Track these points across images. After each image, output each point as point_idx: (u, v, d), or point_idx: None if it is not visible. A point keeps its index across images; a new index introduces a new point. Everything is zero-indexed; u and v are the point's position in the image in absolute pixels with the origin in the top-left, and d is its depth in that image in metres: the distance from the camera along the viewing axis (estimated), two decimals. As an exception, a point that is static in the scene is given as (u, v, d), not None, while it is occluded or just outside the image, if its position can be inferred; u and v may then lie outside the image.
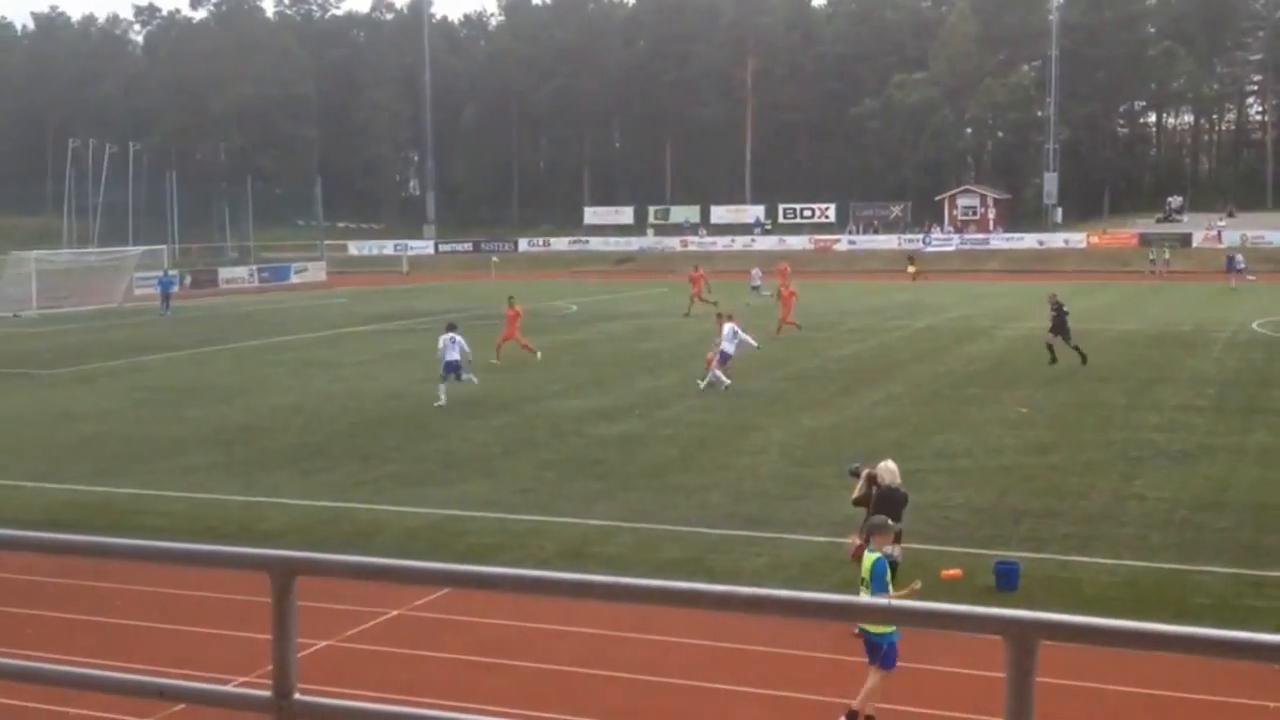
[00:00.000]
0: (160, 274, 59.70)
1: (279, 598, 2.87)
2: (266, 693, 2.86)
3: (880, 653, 10.56)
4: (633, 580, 2.83)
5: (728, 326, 29.58)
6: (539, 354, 34.40)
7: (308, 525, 17.63)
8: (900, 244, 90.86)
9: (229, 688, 3.13)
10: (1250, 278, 61.71)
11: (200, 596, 13.80)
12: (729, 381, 28.80)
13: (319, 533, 17.18)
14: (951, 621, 2.59)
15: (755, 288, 54.82)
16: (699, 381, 29.15)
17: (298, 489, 19.74)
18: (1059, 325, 32.01)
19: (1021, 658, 2.42)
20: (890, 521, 11.29)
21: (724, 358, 29.23)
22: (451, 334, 28.08)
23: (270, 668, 2.90)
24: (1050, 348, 31.83)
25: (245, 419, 26.42)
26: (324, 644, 12.47)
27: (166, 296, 56.63)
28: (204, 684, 3.26)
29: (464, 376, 28.18)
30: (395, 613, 13.56)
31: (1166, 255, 73.62)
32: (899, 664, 10.80)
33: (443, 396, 27.45)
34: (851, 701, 10.76)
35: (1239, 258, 64.44)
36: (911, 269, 73.99)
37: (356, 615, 13.17)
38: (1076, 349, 31.78)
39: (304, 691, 2.91)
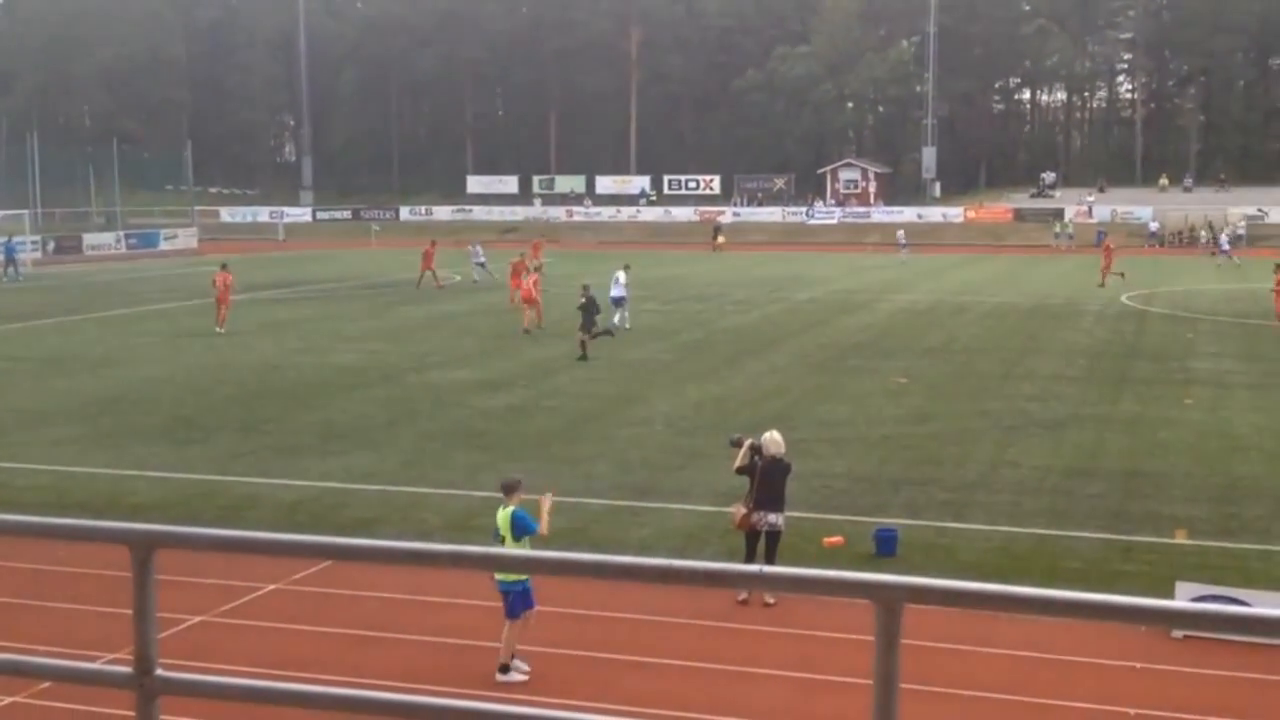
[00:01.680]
0: (4, 240, 57.72)
1: (139, 572, 2.77)
2: (127, 669, 2.74)
3: (508, 600, 11.14)
4: (508, 551, 2.74)
5: (615, 275, 34.34)
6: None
7: (180, 499, 17.19)
8: (784, 215, 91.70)
9: (89, 664, 3.00)
10: (1235, 260, 60.11)
11: (68, 573, 13.36)
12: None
13: (192, 506, 16.78)
14: (821, 587, 2.62)
15: (480, 264, 51.84)
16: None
17: (170, 462, 19.22)
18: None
19: (888, 621, 2.46)
20: (519, 482, 11.79)
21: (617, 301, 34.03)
22: (617, 274, 34.33)
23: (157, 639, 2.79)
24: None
25: (114, 390, 25.64)
26: (197, 619, 12.18)
27: (13, 262, 54.97)
28: (64, 660, 3.10)
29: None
30: (272, 587, 13.29)
31: (1070, 230, 75.28)
32: (766, 629, 10.91)
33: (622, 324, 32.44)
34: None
35: (1223, 237, 64.23)
36: (720, 239, 75.01)
37: (231, 590, 12.89)
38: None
39: (170, 668, 2.83)
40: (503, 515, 11.43)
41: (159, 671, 2.73)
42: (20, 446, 20.32)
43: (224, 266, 36.55)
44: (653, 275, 53.33)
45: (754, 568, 2.69)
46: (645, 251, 69.72)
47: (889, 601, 2.47)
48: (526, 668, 11.29)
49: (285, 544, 2.95)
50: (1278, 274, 35.51)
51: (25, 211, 67.34)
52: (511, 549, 10.94)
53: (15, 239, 58.92)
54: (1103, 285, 47.00)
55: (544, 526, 11.38)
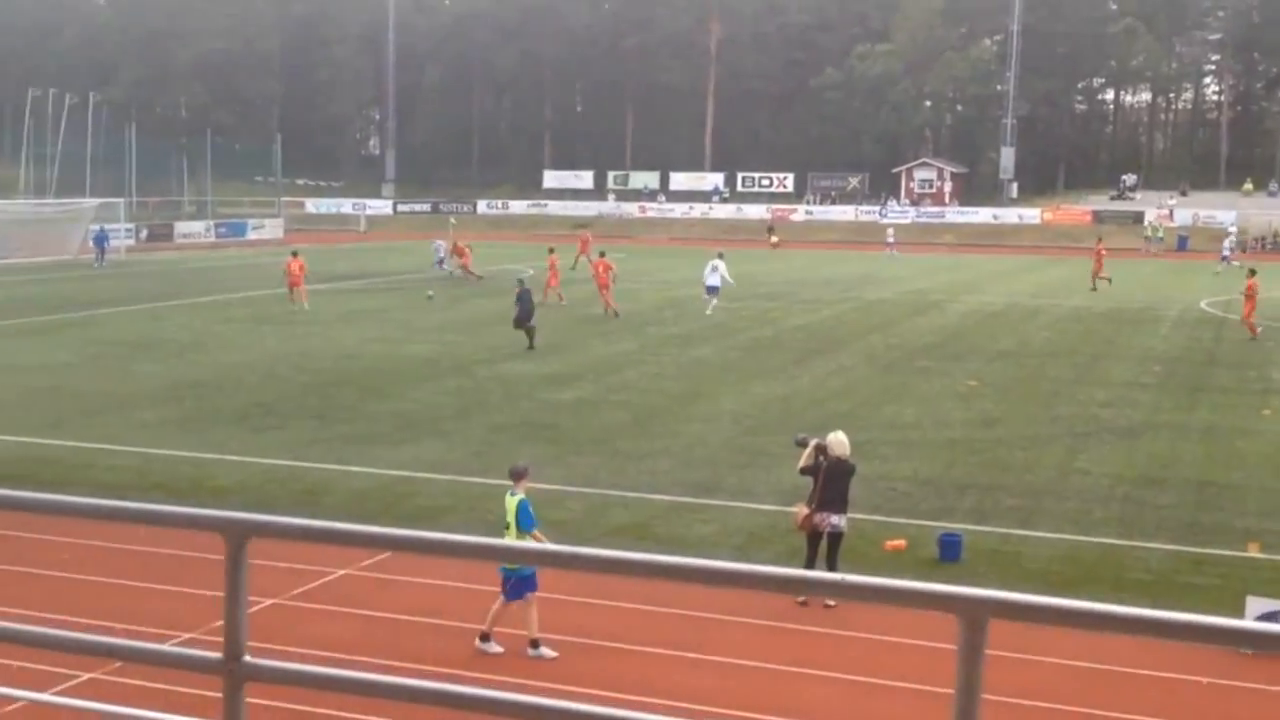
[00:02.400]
0: (97, 228, 59.26)
1: (232, 560, 2.85)
2: (217, 654, 2.86)
3: (507, 584, 11.59)
4: (572, 549, 2.86)
5: (711, 264, 37.70)
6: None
7: (257, 483, 17.63)
8: (858, 214, 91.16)
9: (179, 649, 3.16)
10: (1234, 263, 60.18)
11: (145, 552, 13.79)
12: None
13: (268, 491, 17.19)
14: (904, 598, 2.54)
15: (440, 260, 51.31)
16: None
17: (248, 446, 19.70)
18: None
19: (973, 635, 2.44)
20: (526, 468, 12.40)
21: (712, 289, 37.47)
22: (713, 263, 37.46)
23: (216, 624, 2.90)
24: None
25: (198, 375, 26.27)
26: (270, 602, 12.52)
27: (102, 250, 56.42)
28: (153, 644, 3.27)
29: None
30: (341, 572, 13.61)
31: (1161, 234, 73.84)
32: (832, 632, 10.97)
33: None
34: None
35: (1227, 243, 63.92)
36: (774, 239, 74.22)
37: (303, 574, 13.23)
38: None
39: (253, 653, 2.89)
40: (511, 502, 11.89)
41: (247, 658, 2.83)
42: (108, 427, 20.93)
43: (295, 254, 40.04)
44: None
45: (836, 576, 2.71)
46: (717, 248, 69.60)
47: (974, 615, 2.44)
48: (500, 649, 11.81)
49: (371, 536, 3.06)
50: (1250, 279, 35.14)
51: (121, 200, 68.88)
52: (514, 538, 11.49)
53: (106, 227, 60.47)
54: (1094, 289, 46.74)
55: (539, 536, 11.83)
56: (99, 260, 56.07)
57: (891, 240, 70.02)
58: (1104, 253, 49.75)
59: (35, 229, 61.07)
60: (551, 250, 42.90)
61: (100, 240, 57.42)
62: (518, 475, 12.10)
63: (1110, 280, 47.24)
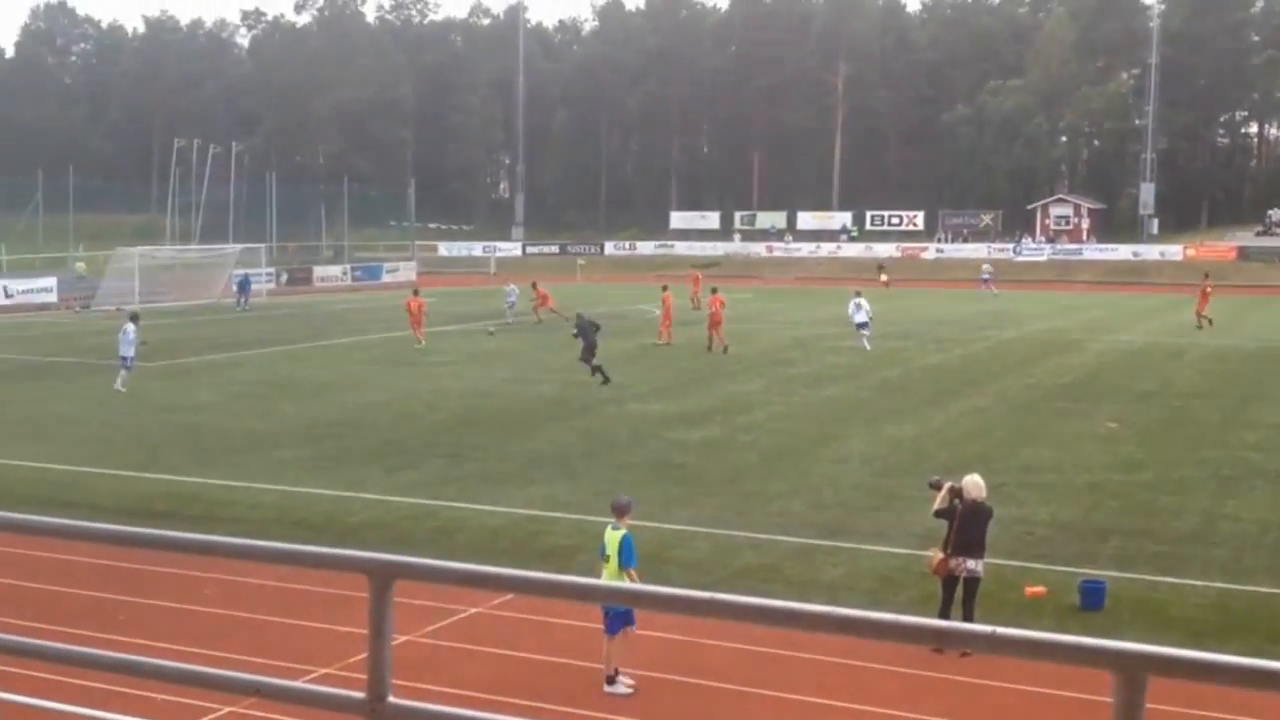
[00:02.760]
0: (241, 273, 61.33)
1: (377, 600, 2.87)
2: (360, 694, 2.89)
3: (607, 618, 11.62)
4: (698, 594, 2.78)
5: (853, 302, 38.58)
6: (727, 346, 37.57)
7: (392, 521, 17.91)
8: (990, 252, 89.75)
9: (323, 687, 3.20)
10: None
11: (283, 588, 14.07)
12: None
13: (403, 529, 17.44)
14: (1058, 653, 2.47)
15: (511, 304, 51.01)
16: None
17: (383, 485, 20.04)
18: None
19: (1131, 693, 2.34)
20: (630, 502, 12.56)
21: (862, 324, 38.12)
22: (857, 300, 37.63)
23: (351, 660, 2.94)
24: None
25: (335, 415, 26.86)
26: (404, 639, 12.66)
27: (245, 293, 58.25)
28: (297, 682, 3.33)
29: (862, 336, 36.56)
30: (474, 610, 13.71)
31: None
32: (967, 680, 10.69)
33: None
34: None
35: None
36: (884, 277, 73.10)
37: (437, 612, 13.35)
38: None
39: (397, 693, 2.90)
40: (613, 537, 11.95)
41: (391, 699, 2.85)
42: (250, 466, 21.49)
43: (416, 292, 42.32)
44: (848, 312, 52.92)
45: (986, 628, 2.60)
46: (846, 288, 69.15)
47: (1133, 671, 2.35)
48: (631, 682, 11.79)
49: (511, 580, 3.06)
50: (1205, 280, 39.11)
51: (262, 245, 71.23)
52: (613, 576, 11.73)
53: (249, 273, 62.59)
54: (1199, 327, 45.26)
55: (633, 575, 11.83)
56: (242, 303, 57.86)
57: (987, 276, 68.28)
58: (1209, 291, 47.99)
59: (181, 274, 63.39)
60: (665, 288, 42.72)
61: (244, 285, 59.31)
62: (621, 510, 12.22)
63: (1211, 321, 45.51)
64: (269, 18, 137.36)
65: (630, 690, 11.74)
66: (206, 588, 14.30)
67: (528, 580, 2.99)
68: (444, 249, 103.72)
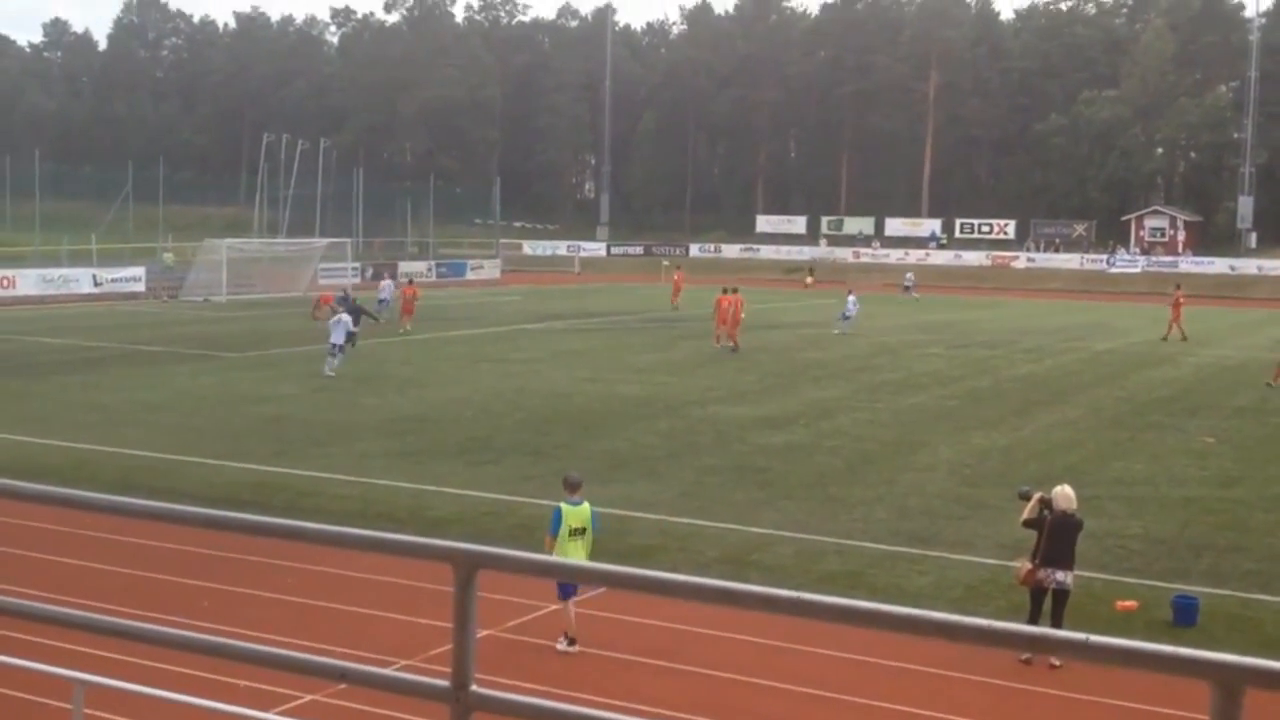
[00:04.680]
0: (387, 282, 58.00)
1: (461, 590, 2.88)
2: (445, 682, 2.88)
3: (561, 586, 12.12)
4: (781, 591, 2.71)
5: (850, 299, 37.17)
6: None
7: (473, 516, 17.96)
8: (1083, 263, 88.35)
9: (408, 675, 3.17)
10: None
11: (365, 579, 14.14)
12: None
13: (484, 524, 17.48)
14: (1152, 662, 2.39)
15: (908, 288, 53.34)
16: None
17: (465, 480, 20.11)
18: None
19: (1228, 705, 2.29)
20: (581, 478, 13.30)
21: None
22: (851, 297, 37.32)
23: (434, 652, 2.93)
24: None
25: (418, 409, 27.05)
26: (485, 633, 12.65)
27: (383, 301, 54.70)
28: (381, 669, 3.30)
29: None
30: (555, 607, 13.67)
31: None
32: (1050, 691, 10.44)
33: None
34: None
35: None
36: (809, 279, 73.02)
37: (520, 607, 13.34)
38: None
39: (480, 684, 2.91)
40: (583, 510, 12.78)
41: (474, 687, 2.84)
42: (332, 458, 21.69)
43: (410, 281, 41.24)
44: (940, 319, 52.34)
45: (1080, 635, 2.53)
46: (934, 295, 68.49)
47: (1230, 684, 2.31)
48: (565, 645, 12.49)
49: (591, 572, 3.04)
50: (1177, 291, 41.64)
51: (348, 240, 72.07)
52: (588, 549, 12.69)
53: (384, 282, 61.36)
54: (1165, 339, 44.38)
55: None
56: (382, 307, 54.91)
57: (909, 284, 67.56)
58: (1182, 302, 46.68)
59: (268, 266, 64.21)
60: (727, 290, 40.48)
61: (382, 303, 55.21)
62: (575, 485, 13.01)
63: (1185, 337, 44.21)
64: (359, 16, 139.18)
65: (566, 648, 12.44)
66: (289, 578, 14.41)
67: (609, 574, 2.94)
68: (528, 248, 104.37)
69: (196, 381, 31.06)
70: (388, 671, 3.17)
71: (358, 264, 70.71)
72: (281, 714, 9.77)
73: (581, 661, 12.47)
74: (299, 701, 10.42)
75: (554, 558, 2.86)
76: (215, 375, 32.38)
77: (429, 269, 79.09)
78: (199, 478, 19.97)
